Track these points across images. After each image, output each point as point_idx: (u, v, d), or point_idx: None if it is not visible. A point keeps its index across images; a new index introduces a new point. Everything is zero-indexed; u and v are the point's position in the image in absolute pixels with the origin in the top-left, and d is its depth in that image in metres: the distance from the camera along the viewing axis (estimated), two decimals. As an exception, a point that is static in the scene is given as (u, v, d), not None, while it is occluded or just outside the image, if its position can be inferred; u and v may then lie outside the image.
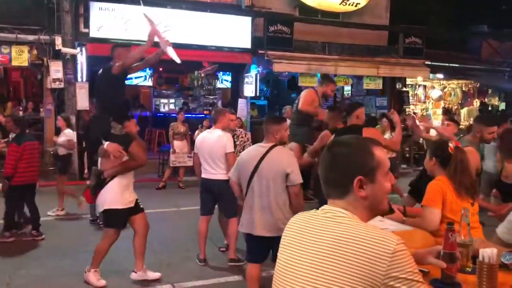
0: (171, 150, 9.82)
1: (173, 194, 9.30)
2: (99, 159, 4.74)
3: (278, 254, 1.64)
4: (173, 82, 16.11)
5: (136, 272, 4.87)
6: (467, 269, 2.04)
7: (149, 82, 15.53)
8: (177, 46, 10.59)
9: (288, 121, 10.25)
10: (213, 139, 5.27)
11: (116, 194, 4.57)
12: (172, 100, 15.23)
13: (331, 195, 1.59)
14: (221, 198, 5.33)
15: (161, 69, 14.92)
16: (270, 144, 3.91)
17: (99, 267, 4.75)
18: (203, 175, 5.38)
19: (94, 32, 10.88)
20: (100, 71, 4.83)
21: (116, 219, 4.67)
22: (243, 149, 5.80)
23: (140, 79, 15.13)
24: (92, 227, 6.99)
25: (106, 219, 4.77)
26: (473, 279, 1.94)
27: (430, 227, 2.84)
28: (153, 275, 4.92)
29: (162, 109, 15.00)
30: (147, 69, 14.10)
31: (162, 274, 5.02)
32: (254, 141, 8.97)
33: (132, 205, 4.76)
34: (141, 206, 4.91)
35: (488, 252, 1.90)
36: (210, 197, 5.40)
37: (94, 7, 10.88)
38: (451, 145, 3.02)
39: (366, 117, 7.68)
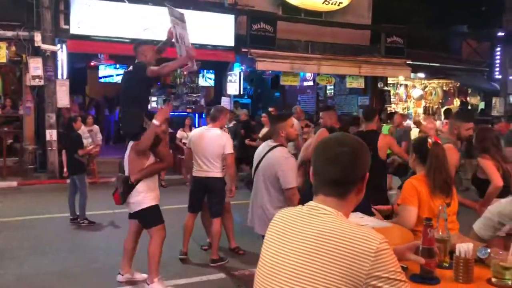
0: (150, 148, 9.71)
1: (155, 193, 9.22)
2: (126, 166, 4.54)
3: (261, 249, 1.62)
4: (156, 79, 15.97)
5: (122, 275, 4.76)
6: (445, 264, 2.07)
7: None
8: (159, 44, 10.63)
9: (296, 122, 10.34)
10: (211, 137, 5.20)
11: (146, 193, 4.43)
12: (154, 98, 15.07)
13: (325, 192, 1.56)
14: (212, 196, 5.30)
15: (143, 66, 14.78)
16: (274, 143, 3.89)
17: (159, 273, 4.56)
18: (195, 173, 5.31)
19: (74, 29, 10.72)
20: (131, 68, 4.62)
21: (155, 215, 4.49)
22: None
23: (120, 76, 14.98)
24: (72, 226, 6.89)
25: (146, 219, 4.53)
26: (450, 273, 1.97)
27: (407, 225, 2.83)
28: (140, 276, 4.81)
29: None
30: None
31: (144, 273, 4.97)
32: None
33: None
34: None
35: (464, 247, 1.94)
36: (201, 195, 5.35)
37: (75, 3, 10.72)
38: (430, 140, 2.99)
39: (349, 116, 7.81)
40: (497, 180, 3.69)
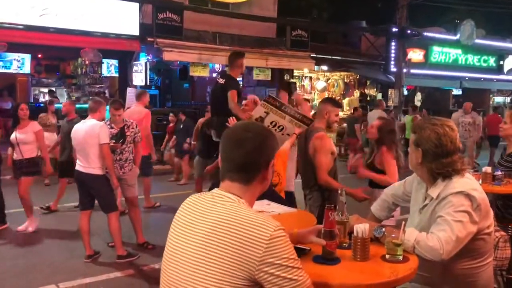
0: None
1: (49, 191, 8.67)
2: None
3: (168, 236, 1.63)
4: (54, 69, 14.97)
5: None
6: (344, 244, 2.18)
7: (27, 70, 14.25)
8: (58, 31, 9.97)
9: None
10: (85, 130, 5.01)
11: None
12: (53, 89, 14.16)
13: (231, 178, 1.59)
14: (95, 193, 5.10)
15: (40, 55, 13.78)
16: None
17: None
18: (76, 167, 5.12)
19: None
20: (223, 81, 5.30)
21: None
22: (134, 140, 5.60)
23: (15, 65, 13.79)
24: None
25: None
26: (349, 253, 2.08)
27: None
28: None
29: (42, 99, 13.90)
30: (23, 55, 12.89)
31: (45, 274, 4.69)
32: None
33: None
34: None
35: (361, 228, 2.06)
36: (85, 191, 5.14)
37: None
38: None
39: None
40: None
